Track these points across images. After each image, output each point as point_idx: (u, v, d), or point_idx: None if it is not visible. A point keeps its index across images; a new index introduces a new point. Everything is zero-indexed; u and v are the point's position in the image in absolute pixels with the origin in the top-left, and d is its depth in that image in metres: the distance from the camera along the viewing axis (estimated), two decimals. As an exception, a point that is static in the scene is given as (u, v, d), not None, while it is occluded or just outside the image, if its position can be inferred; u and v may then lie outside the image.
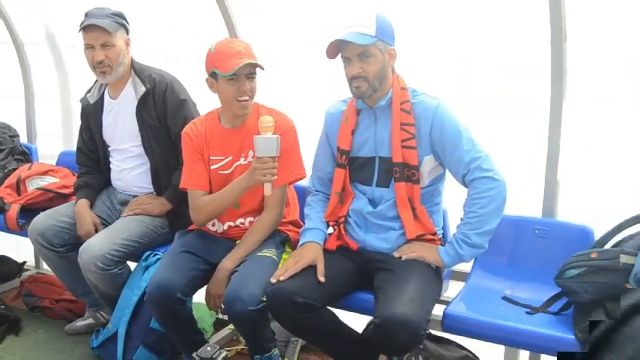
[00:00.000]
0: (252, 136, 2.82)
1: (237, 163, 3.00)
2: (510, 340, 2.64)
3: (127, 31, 3.38)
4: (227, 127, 3.04)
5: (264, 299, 2.69)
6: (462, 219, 2.73)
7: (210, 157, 3.06)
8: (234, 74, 2.82)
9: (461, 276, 3.13)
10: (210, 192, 3.06)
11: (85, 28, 3.23)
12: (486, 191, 2.64)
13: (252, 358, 2.98)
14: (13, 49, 4.66)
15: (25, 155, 4.34)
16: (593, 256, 2.54)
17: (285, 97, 3.51)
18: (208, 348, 2.08)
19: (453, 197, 2.94)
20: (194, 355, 2.08)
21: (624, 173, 3.01)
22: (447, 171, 2.80)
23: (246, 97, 2.90)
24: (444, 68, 3.30)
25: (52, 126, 4.75)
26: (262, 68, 2.89)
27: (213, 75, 2.91)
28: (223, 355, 2.07)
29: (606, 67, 3.00)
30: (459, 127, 2.68)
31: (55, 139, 4.68)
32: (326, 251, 2.84)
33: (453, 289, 3.05)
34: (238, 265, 2.90)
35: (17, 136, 4.39)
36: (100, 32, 3.23)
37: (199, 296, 3.09)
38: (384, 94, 2.76)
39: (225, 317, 3.72)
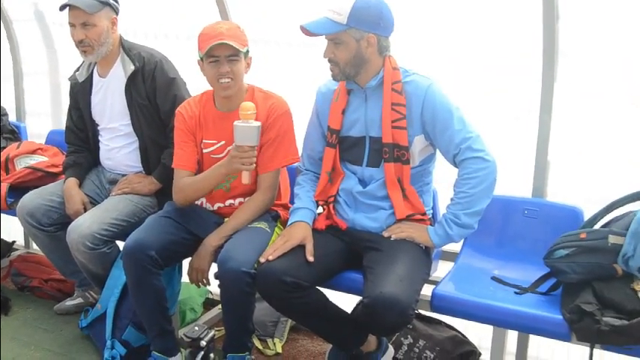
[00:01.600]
0: None
1: (230, 147, 2.99)
2: (498, 320, 2.65)
3: (115, 10, 3.37)
4: (221, 111, 3.03)
5: (256, 266, 2.70)
6: (452, 199, 2.74)
7: (204, 140, 3.06)
8: (211, 56, 2.84)
9: (450, 256, 3.14)
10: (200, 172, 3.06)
11: (67, 7, 3.23)
12: (477, 171, 2.65)
13: (225, 354, 2.91)
14: (1, 26, 4.64)
15: (14, 134, 4.34)
16: (582, 236, 2.56)
17: (277, 76, 3.51)
18: (196, 327, 2.09)
19: (443, 177, 2.96)
20: (182, 334, 2.08)
21: (614, 154, 3.01)
22: (438, 151, 2.80)
23: (227, 80, 2.89)
24: (437, 56, 3.29)
25: (41, 105, 4.74)
26: (240, 50, 2.88)
27: (200, 57, 2.92)
28: (211, 334, 2.08)
29: (598, 49, 3.00)
30: (451, 107, 2.68)
31: (44, 118, 4.67)
32: (315, 231, 2.85)
33: (442, 269, 3.06)
34: (224, 243, 2.90)
35: (6, 114, 4.38)
36: (80, 12, 3.23)
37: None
38: (372, 74, 2.76)
39: (215, 296, 3.75)
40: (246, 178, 2.83)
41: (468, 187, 2.66)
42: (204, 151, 3.06)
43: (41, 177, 3.82)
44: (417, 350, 3.28)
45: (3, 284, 4.17)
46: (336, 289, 2.89)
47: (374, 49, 2.72)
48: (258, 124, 2.77)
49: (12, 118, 4.58)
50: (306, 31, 2.69)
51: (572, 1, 2.93)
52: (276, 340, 3.62)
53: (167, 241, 2.94)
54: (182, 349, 3.00)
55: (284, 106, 3.03)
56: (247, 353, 2.97)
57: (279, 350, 3.57)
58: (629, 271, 2.45)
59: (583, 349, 2.47)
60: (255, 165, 2.85)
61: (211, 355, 2.10)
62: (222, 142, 3.02)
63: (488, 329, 2.91)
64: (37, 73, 4.72)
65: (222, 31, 2.85)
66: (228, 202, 3.11)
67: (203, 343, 2.05)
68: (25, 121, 4.73)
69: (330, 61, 2.74)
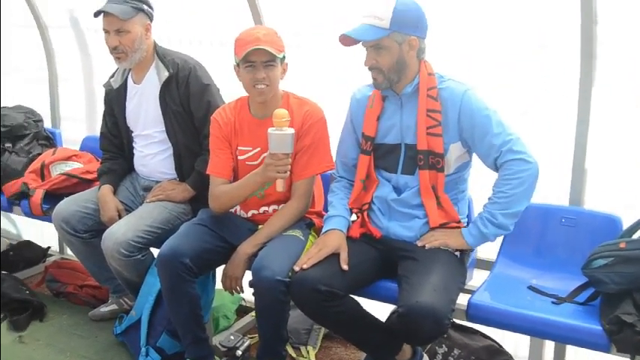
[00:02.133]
0: None
1: (265, 154, 2.98)
2: (536, 330, 2.62)
3: (149, 16, 3.39)
4: (256, 118, 3.03)
5: (291, 274, 2.71)
6: (489, 199, 2.72)
7: (239, 147, 3.06)
8: (248, 61, 2.84)
9: (486, 264, 3.12)
10: (236, 180, 3.07)
11: (101, 13, 3.27)
12: (518, 172, 2.62)
13: None
14: (37, 32, 4.69)
15: (50, 140, 4.38)
16: (622, 246, 2.52)
17: (310, 81, 3.50)
18: (231, 337, 2.09)
19: (478, 184, 2.94)
20: (217, 343, 2.08)
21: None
22: (474, 159, 2.79)
23: (262, 86, 2.89)
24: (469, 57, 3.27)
25: (76, 111, 4.78)
26: (277, 56, 2.88)
27: (236, 62, 2.92)
28: (247, 343, 2.07)
29: (636, 53, 2.95)
30: (488, 111, 2.67)
31: (78, 124, 4.70)
32: (349, 239, 2.84)
33: (477, 278, 3.04)
34: (258, 250, 2.90)
35: (41, 120, 4.43)
36: (114, 18, 3.25)
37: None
38: (409, 80, 2.74)
39: (248, 304, 3.75)
40: (280, 186, 2.83)
41: (508, 188, 2.64)
42: (240, 157, 3.07)
43: (76, 183, 3.85)
44: (451, 359, 3.26)
45: (38, 290, 4.22)
46: (370, 298, 2.88)
47: (414, 52, 2.71)
48: (292, 131, 2.76)
49: (47, 124, 4.62)
50: (347, 39, 2.67)
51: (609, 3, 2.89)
52: (309, 347, 3.62)
53: (201, 249, 2.94)
54: (217, 358, 3.01)
55: (319, 113, 3.03)
56: None
57: (313, 358, 3.56)
58: (670, 281, 2.42)
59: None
60: (289, 172, 2.84)
61: (248, 363, 2.09)
62: (258, 149, 3.02)
63: (525, 339, 2.88)
64: (73, 79, 4.76)
65: (259, 37, 2.85)
66: (262, 210, 3.12)
67: (239, 352, 2.06)
68: (60, 127, 4.77)
69: (371, 68, 2.72)
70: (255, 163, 3.02)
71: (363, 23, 2.66)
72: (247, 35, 2.88)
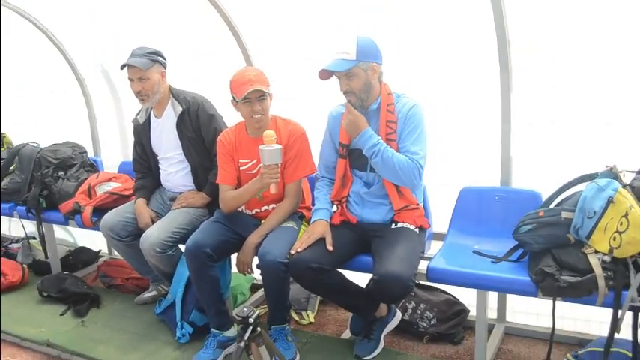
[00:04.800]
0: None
1: (261, 165, 3.03)
2: (480, 284, 2.70)
3: (163, 65, 3.43)
4: (252, 137, 3.07)
5: (289, 256, 2.77)
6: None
7: (240, 161, 3.11)
8: (245, 98, 2.88)
9: (440, 237, 3.17)
10: (239, 186, 3.12)
11: (126, 66, 3.31)
12: (410, 168, 2.71)
13: (269, 327, 3.05)
14: (76, 83, 4.73)
15: (93, 167, 4.39)
16: (541, 214, 2.60)
17: (296, 107, 3.53)
18: (245, 308, 2.15)
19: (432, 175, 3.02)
20: (234, 314, 2.15)
21: (564, 146, 3.04)
22: (426, 154, 2.82)
23: (259, 115, 2.94)
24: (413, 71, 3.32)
25: (112, 142, 4.81)
26: (266, 91, 2.92)
27: (234, 98, 2.97)
28: (257, 313, 2.13)
29: (544, 62, 3.03)
30: (420, 126, 2.76)
31: (115, 152, 4.73)
32: (332, 226, 2.91)
33: (434, 247, 3.09)
34: (262, 240, 2.97)
35: (85, 152, 4.44)
36: (136, 69, 3.30)
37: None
38: (373, 99, 2.81)
39: (259, 282, 3.80)
40: (273, 189, 2.89)
41: (397, 161, 2.70)
42: (241, 169, 3.12)
43: (117, 199, 3.87)
44: (419, 312, 3.32)
45: (94, 285, 4.26)
46: (352, 270, 2.94)
47: (377, 75, 2.78)
48: (280, 147, 2.82)
49: (90, 154, 4.64)
50: (324, 73, 2.73)
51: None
52: (309, 312, 3.67)
53: (219, 240, 3.01)
54: (235, 325, 3.08)
55: (300, 130, 3.09)
56: (287, 324, 3.07)
57: (312, 320, 3.63)
58: (579, 239, 2.49)
59: (547, 302, 2.50)
60: (279, 179, 2.90)
61: (258, 328, 2.16)
62: (254, 161, 3.07)
63: (473, 291, 2.93)
64: (107, 117, 4.78)
65: (250, 78, 2.90)
66: (263, 209, 3.17)
67: (251, 320, 2.11)
68: (100, 156, 4.80)
69: (346, 92, 2.77)
70: (253, 172, 3.08)
71: (336, 59, 2.72)
72: (241, 77, 2.93)
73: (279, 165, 2.86)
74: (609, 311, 2.35)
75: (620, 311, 2.34)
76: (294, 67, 3.65)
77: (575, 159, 2.96)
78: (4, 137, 5.02)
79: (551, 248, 2.55)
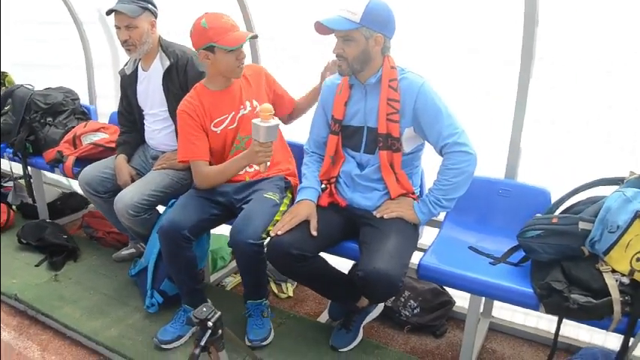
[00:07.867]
0: (242, 89, 2.47)
1: (239, 114, 2.53)
2: (475, 290, 2.16)
3: (154, 14, 2.84)
4: (216, 90, 2.53)
5: (264, 236, 2.25)
6: (435, 183, 2.23)
7: (216, 120, 2.54)
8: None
9: (434, 223, 2.62)
10: (224, 148, 2.57)
11: (112, 12, 2.74)
12: (459, 163, 2.14)
13: (245, 302, 2.54)
14: (74, 27, 4.12)
15: (85, 114, 3.84)
16: (554, 221, 2.02)
17: (289, 71, 2.98)
18: (204, 309, 1.61)
19: (429, 159, 2.43)
20: (191, 315, 1.61)
21: (579, 142, 2.47)
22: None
23: (244, 62, 2.47)
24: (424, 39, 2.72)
25: (107, 90, 4.22)
26: (257, 37, 2.66)
27: (209, 48, 2.39)
28: (217, 315, 1.60)
29: (571, 43, 2.43)
30: (440, 103, 2.15)
31: (110, 101, 4.14)
32: (319, 207, 2.35)
33: (427, 236, 2.56)
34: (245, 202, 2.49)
35: (78, 98, 3.86)
36: (124, 16, 2.72)
37: (222, 229, 2.73)
38: (373, 72, 2.21)
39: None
40: (263, 168, 2.38)
41: (450, 176, 2.16)
42: (220, 128, 2.55)
43: (102, 151, 3.31)
44: (402, 300, 2.84)
45: (77, 234, 3.74)
46: (336, 255, 2.41)
47: (379, 48, 2.16)
48: (278, 122, 2.26)
49: (85, 101, 4.08)
50: (321, 27, 2.12)
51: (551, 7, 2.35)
52: (288, 284, 3.19)
53: (198, 219, 2.45)
54: (209, 300, 2.59)
55: (259, 67, 2.71)
56: (264, 299, 2.55)
57: (291, 294, 3.14)
58: (595, 253, 1.95)
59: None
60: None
61: (219, 332, 1.62)
62: (232, 114, 2.54)
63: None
64: (104, 65, 4.19)
65: (233, 24, 2.42)
66: (243, 171, 2.59)
67: (210, 324, 1.57)
68: (95, 103, 4.23)
69: (338, 56, 2.17)
70: (234, 126, 2.55)
71: (338, 15, 2.11)
72: (222, 23, 2.39)
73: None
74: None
75: (632, 339, 1.83)
76: (296, 25, 3.03)
77: (587, 159, 2.42)
78: (6, 76, 4.45)
79: (561, 260, 2.00)
